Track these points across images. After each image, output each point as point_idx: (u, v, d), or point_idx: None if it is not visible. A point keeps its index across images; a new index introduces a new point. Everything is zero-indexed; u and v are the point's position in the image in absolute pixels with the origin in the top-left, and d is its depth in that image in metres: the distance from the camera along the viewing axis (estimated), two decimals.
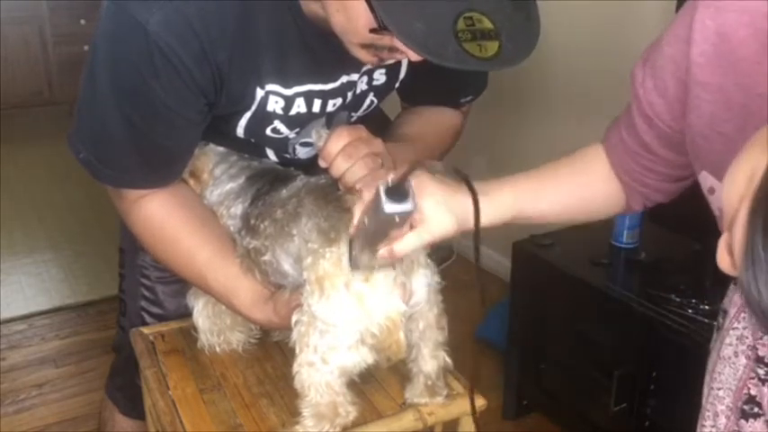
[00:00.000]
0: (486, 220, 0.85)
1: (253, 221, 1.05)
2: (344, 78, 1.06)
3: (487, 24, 0.77)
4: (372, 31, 0.82)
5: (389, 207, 0.77)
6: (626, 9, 2.14)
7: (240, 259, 1.07)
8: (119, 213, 1.12)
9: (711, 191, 0.78)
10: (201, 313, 1.16)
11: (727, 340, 0.92)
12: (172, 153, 1.06)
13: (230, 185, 1.12)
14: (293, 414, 0.98)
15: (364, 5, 0.79)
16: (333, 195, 0.96)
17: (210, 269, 1.08)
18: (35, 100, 4.74)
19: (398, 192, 0.77)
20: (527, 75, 2.43)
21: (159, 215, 1.07)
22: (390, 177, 0.77)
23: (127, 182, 1.06)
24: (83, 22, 4.60)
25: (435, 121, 1.24)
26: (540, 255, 1.92)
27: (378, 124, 1.24)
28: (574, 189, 0.93)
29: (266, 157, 1.19)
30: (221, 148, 1.16)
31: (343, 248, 0.90)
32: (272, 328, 1.14)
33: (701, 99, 0.72)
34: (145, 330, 1.22)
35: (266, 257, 1.03)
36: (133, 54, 0.92)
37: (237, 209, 1.10)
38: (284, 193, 1.03)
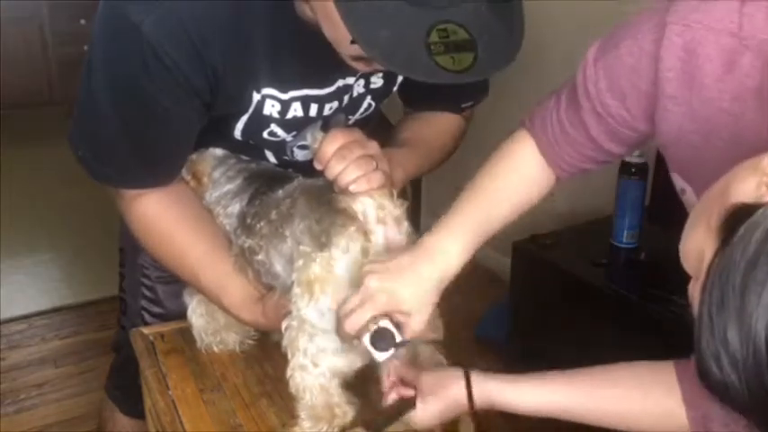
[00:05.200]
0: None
1: (249, 220, 1.05)
2: (340, 82, 1.06)
3: (463, 35, 0.75)
4: (353, 42, 0.80)
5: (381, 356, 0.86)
6: (627, 8, 2.14)
7: (234, 258, 1.08)
8: (118, 211, 1.12)
9: (682, 192, 0.81)
10: (195, 311, 1.16)
11: None
12: (168, 153, 1.06)
13: (228, 186, 1.12)
14: (293, 414, 0.98)
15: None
16: (326, 197, 0.95)
17: (202, 267, 1.08)
18: (35, 100, 4.73)
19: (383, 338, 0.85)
20: (527, 75, 2.43)
21: (155, 213, 1.08)
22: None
23: (124, 181, 1.06)
24: (83, 22, 4.59)
25: (436, 124, 1.24)
26: (540, 255, 1.92)
27: (379, 128, 1.24)
28: (515, 193, 0.94)
29: (265, 158, 1.19)
30: (220, 152, 1.16)
31: (334, 253, 0.90)
32: (259, 329, 1.14)
33: (668, 111, 0.74)
34: (145, 330, 1.22)
35: (259, 257, 1.03)
36: (128, 55, 0.92)
37: (234, 208, 1.10)
38: (280, 193, 1.04)
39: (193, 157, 1.14)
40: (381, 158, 0.97)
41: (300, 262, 0.93)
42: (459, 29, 0.75)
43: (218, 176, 1.14)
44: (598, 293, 1.77)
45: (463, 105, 1.24)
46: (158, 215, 1.08)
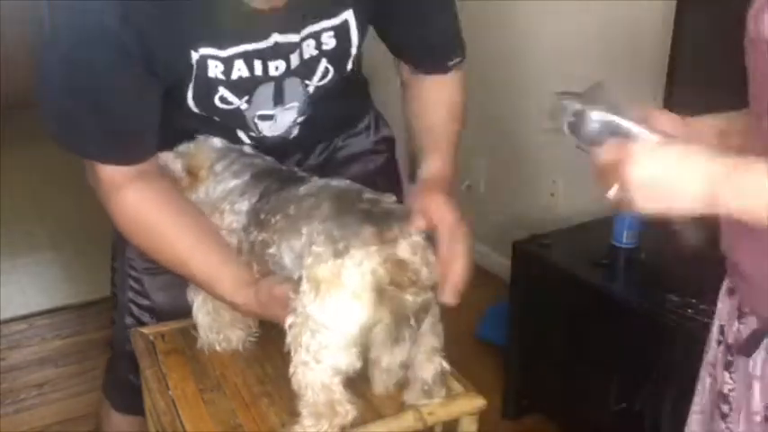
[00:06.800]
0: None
1: (263, 215, 1.06)
2: (277, 36, 1.05)
3: None
4: None
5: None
6: (626, 9, 2.14)
7: (236, 250, 1.09)
8: (101, 203, 1.12)
9: None
10: (201, 309, 1.16)
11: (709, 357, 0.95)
12: (130, 123, 1.06)
13: (234, 182, 1.13)
14: (293, 414, 0.98)
15: None
16: (356, 206, 0.96)
17: (193, 256, 1.08)
18: (35, 100, 4.73)
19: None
20: (527, 75, 2.43)
21: (137, 204, 1.08)
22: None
23: (92, 153, 1.07)
24: None
25: (437, 107, 1.24)
26: (540, 255, 1.92)
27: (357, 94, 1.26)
28: None
29: (238, 138, 1.20)
30: (220, 144, 1.17)
31: (348, 262, 0.91)
32: (251, 315, 1.13)
33: None
34: (145, 330, 1.23)
35: (271, 250, 1.04)
36: (67, 20, 0.96)
37: (243, 205, 1.11)
38: (302, 190, 1.04)
39: (191, 147, 1.15)
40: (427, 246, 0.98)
41: (310, 260, 0.94)
42: None
43: (220, 170, 1.14)
44: (598, 293, 1.77)
45: (450, 63, 1.24)
46: (141, 206, 1.08)
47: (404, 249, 0.93)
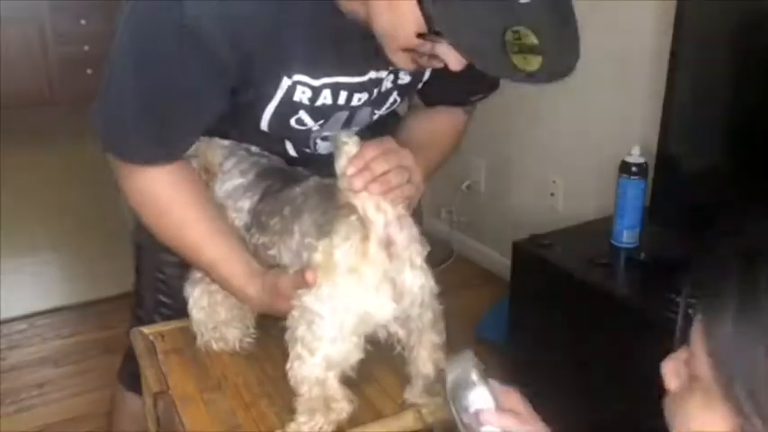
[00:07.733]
0: None
1: (264, 218, 1.07)
2: (373, 74, 1.07)
3: (533, 40, 0.79)
4: (420, 36, 0.83)
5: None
6: (626, 10, 2.14)
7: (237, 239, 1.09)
8: (116, 182, 1.12)
9: None
10: (196, 304, 1.16)
11: None
12: (183, 132, 1.07)
13: (240, 180, 1.13)
14: (293, 414, 0.98)
15: (413, 8, 0.81)
16: (333, 192, 0.97)
17: (206, 242, 1.08)
18: (35, 100, 4.74)
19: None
20: None
21: (156, 185, 1.08)
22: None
23: (134, 155, 1.06)
24: (83, 22, 4.58)
25: (440, 122, 1.25)
26: (540, 255, 1.93)
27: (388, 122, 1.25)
28: None
29: (284, 150, 1.19)
30: (228, 142, 1.17)
31: (335, 239, 0.91)
32: (260, 309, 1.12)
33: None
34: (145, 330, 1.22)
35: (272, 252, 1.05)
36: (162, 30, 0.95)
37: (245, 203, 1.11)
38: (297, 190, 1.05)
39: (201, 146, 1.15)
40: (414, 169, 0.98)
41: (305, 255, 0.95)
42: (530, 33, 0.80)
43: (229, 167, 1.15)
44: (598, 293, 1.77)
45: (473, 98, 1.26)
46: (160, 187, 1.08)
47: (387, 223, 0.92)
